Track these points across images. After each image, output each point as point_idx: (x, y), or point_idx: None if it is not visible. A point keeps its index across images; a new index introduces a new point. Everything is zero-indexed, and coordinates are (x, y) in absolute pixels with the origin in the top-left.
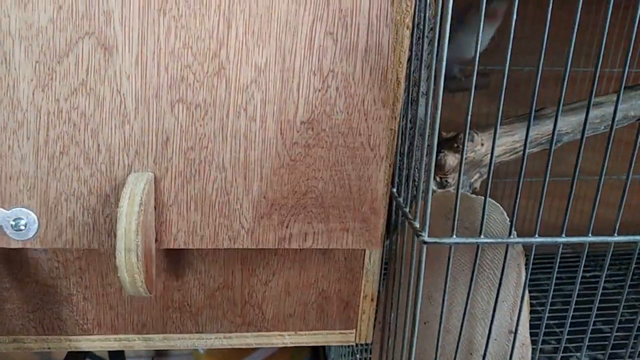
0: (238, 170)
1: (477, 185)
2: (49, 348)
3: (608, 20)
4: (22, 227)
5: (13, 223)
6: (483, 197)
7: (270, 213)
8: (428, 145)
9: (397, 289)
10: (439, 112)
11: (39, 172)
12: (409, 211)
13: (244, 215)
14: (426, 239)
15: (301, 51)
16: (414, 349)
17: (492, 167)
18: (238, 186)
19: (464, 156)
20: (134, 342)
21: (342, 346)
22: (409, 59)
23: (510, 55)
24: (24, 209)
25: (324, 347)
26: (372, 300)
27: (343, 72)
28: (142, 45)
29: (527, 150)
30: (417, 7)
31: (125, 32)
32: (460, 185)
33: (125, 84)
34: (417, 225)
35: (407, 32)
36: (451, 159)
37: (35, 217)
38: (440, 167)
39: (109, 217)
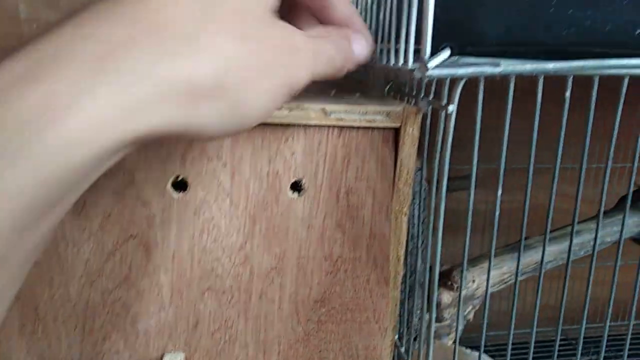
0: (259, 346)
1: (471, 316)
2: None
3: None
4: None
5: None
6: (475, 354)
7: None
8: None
9: None
10: (434, 301)
11: (83, 357)
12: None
13: None
14: None
15: (315, 241)
16: None
17: (487, 307)
18: None
19: (456, 293)
20: None
21: None
22: None
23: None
24: None
25: None
26: None
27: (350, 257)
28: (178, 243)
29: (510, 282)
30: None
31: (164, 233)
32: (452, 318)
33: (162, 277)
34: None
35: (405, 218)
36: (446, 297)
37: None
38: (436, 305)
39: None
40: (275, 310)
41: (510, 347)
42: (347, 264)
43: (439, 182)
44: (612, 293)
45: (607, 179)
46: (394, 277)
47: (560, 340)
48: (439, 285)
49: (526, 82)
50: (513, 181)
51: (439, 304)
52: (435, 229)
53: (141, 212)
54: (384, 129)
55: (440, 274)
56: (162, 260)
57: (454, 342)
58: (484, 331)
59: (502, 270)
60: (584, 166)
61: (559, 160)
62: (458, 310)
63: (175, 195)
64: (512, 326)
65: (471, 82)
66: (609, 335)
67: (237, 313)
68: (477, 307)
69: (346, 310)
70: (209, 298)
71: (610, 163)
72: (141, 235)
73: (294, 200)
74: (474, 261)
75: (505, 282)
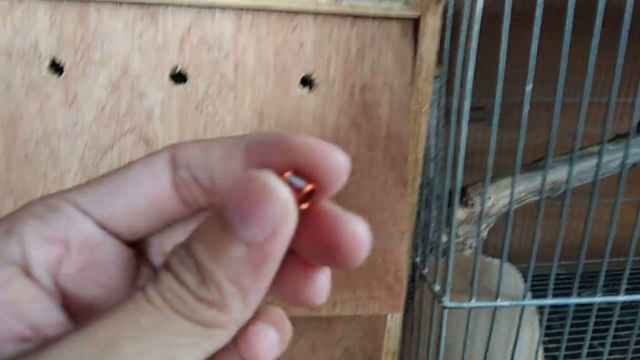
0: None
1: (485, 234)
2: None
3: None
4: None
5: None
6: (498, 261)
7: None
8: (447, 216)
9: (416, 344)
10: (456, 204)
11: None
12: (427, 272)
13: None
14: (447, 304)
15: (328, 140)
16: None
17: (510, 225)
18: None
19: (472, 210)
20: None
21: None
22: None
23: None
24: None
25: None
26: (393, 355)
27: (366, 158)
28: (181, 139)
29: (526, 201)
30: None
31: (165, 128)
32: (469, 237)
33: None
34: (437, 289)
35: (425, 119)
36: (460, 214)
37: None
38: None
39: None
40: None
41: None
42: (364, 164)
43: (462, 84)
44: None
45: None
46: (412, 180)
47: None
48: (459, 203)
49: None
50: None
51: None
52: (457, 138)
53: (139, 103)
54: (402, 19)
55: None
56: None
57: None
58: (508, 236)
59: (518, 189)
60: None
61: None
62: (480, 217)
63: (175, 87)
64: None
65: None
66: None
67: None
68: (491, 225)
69: (363, 212)
70: None
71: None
72: (140, 130)
73: (305, 96)
74: (490, 179)
75: (522, 201)
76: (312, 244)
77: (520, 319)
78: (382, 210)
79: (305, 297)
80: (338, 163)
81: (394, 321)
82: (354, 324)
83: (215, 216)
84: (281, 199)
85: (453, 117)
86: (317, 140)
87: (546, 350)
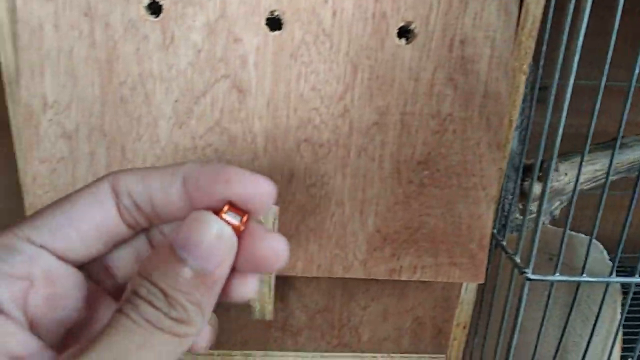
0: (355, 206)
1: (557, 212)
2: None
3: None
4: None
5: None
6: (581, 235)
7: (383, 246)
8: (542, 193)
9: (487, 319)
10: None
11: None
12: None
13: (359, 247)
14: (530, 276)
15: (422, 96)
16: None
17: (574, 197)
18: (354, 221)
19: (548, 185)
20: (235, 358)
21: None
22: None
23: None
24: None
25: None
26: (464, 327)
27: (461, 117)
28: (274, 89)
29: (602, 180)
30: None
31: (259, 76)
32: (542, 214)
33: (257, 124)
34: (518, 261)
35: (524, 78)
36: (536, 188)
37: None
38: (525, 195)
39: None
40: (375, 168)
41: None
42: (457, 124)
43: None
44: None
45: None
46: (505, 144)
47: None
48: (528, 176)
49: None
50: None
51: (528, 195)
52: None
53: (234, 49)
54: None
55: (531, 165)
56: (256, 105)
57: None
58: (600, 209)
59: (595, 167)
60: None
61: None
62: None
63: (270, 34)
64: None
65: None
66: None
67: (334, 169)
68: (564, 204)
69: (452, 175)
70: (305, 151)
71: None
72: (234, 77)
73: (402, 47)
74: (566, 155)
75: (597, 180)
76: (240, 256)
77: (603, 297)
78: (471, 174)
79: (236, 296)
80: (266, 193)
81: (468, 292)
82: (427, 293)
83: (169, 253)
84: (225, 239)
85: (552, 91)
86: (247, 174)
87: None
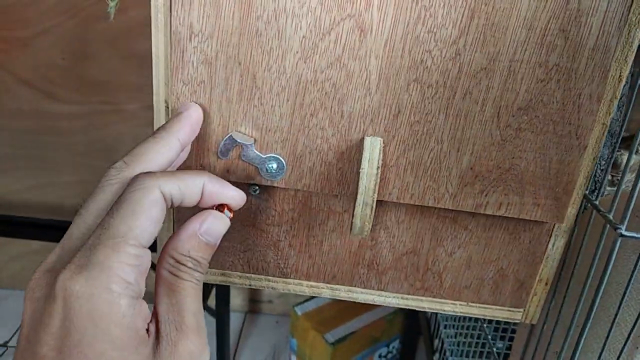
0: (453, 144)
1: None
2: (250, 285)
3: None
4: (273, 170)
5: (268, 166)
6: None
7: (474, 182)
8: (628, 143)
9: (569, 277)
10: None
11: (292, 128)
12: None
13: (451, 181)
14: (624, 232)
15: (533, 45)
16: (583, 339)
17: None
18: (450, 157)
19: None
20: (322, 290)
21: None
22: None
23: None
24: (277, 156)
25: (428, 326)
26: (546, 284)
27: (567, 67)
28: (392, 30)
29: None
30: None
31: (381, 17)
32: (628, 185)
33: (373, 62)
34: (612, 218)
35: (639, 33)
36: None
37: (284, 162)
38: (617, 166)
39: (340, 170)
40: (476, 111)
41: None
42: (562, 74)
43: None
44: None
45: None
46: (611, 98)
47: None
48: (622, 147)
49: None
50: None
51: (619, 165)
52: None
53: None
54: None
55: (625, 138)
56: (374, 45)
57: None
58: None
59: None
60: None
61: None
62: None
63: None
64: None
65: None
66: None
67: (438, 108)
68: None
69: (549, 122)
70: (414, 90)
71: None
72: (357, 16)
73: None
74: None
75: None
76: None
77: None
78: (568, 122)
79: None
80: (242, 201)
81: (555, 249)
82: (513, 246)
83: (198, 239)
84: (227, 226)
85: None
86: (235, 192)
87: None
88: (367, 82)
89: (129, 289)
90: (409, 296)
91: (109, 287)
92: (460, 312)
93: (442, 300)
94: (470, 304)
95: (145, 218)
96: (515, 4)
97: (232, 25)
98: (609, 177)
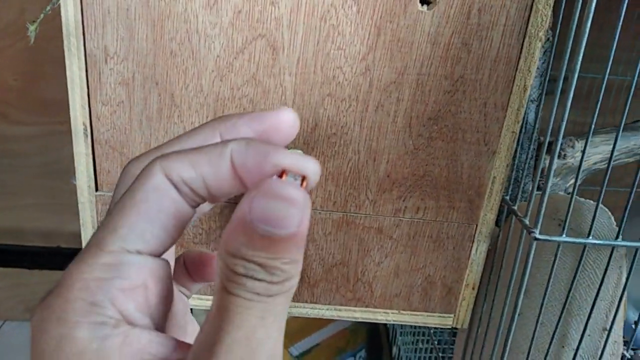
0: (370, 154)
1: (571, 190)
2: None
3: None
4: None
5: None
6: (590, 201)
7: (392, 189)
8: (551, 148)
9: (495, 281)
10: (566, 115)
11: None
12: (518, 209)
13: (370, 189)
14: (537, 235)
15: (438, 59)
16: (509, 339)
17: (579, 173)
18: (368, 166)
19: (563, 161)
20: None
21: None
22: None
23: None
24: None
25: (387, 334)
26: (473, 288)
27: (472, 78)
28: (304, 47)
29: (619, 161)
30: None
31: (291, 36)
32: (554, 189)
33: (287, 78)
34: (527, 222)
35: (539, 44)
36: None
37: None
38: (541, 170)
39: None
40: (389, 122)
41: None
42: (467, 85)
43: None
44: None
45: None
46: (518, 107)
47: None
48: (547, 153)
49: None
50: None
51: (544, 170)
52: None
53: (270, 11)
54: None
55: (548, 143)
56: (287, 62)
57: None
58: (605, 184)
59: (609, 147)
60: None
61: None
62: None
63: None
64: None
65: None
66: None
67: (353, 121)
68: (579, 183)
69: (458, 130)
70: (329, 104)
71: None
72: (269, 36)
73: (423, 13)
74: (584, 135)
75: (614, 160)
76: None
77: (608, 261)
78: (476, 130)
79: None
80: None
81: (479, 254)
82: (438, 253)
83: (252, 231)
84: (301, 199)
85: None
86: (305, 160)
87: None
88: (283, 97)
89: (96, 314)
90: (342, 307)
91: (59, 316)
92: (393, 321)
93: (375, 310)
94: (401, 312)
95: (135, 213)
96: (419, 20)
97: (147, 46)
98: (538, 183)
